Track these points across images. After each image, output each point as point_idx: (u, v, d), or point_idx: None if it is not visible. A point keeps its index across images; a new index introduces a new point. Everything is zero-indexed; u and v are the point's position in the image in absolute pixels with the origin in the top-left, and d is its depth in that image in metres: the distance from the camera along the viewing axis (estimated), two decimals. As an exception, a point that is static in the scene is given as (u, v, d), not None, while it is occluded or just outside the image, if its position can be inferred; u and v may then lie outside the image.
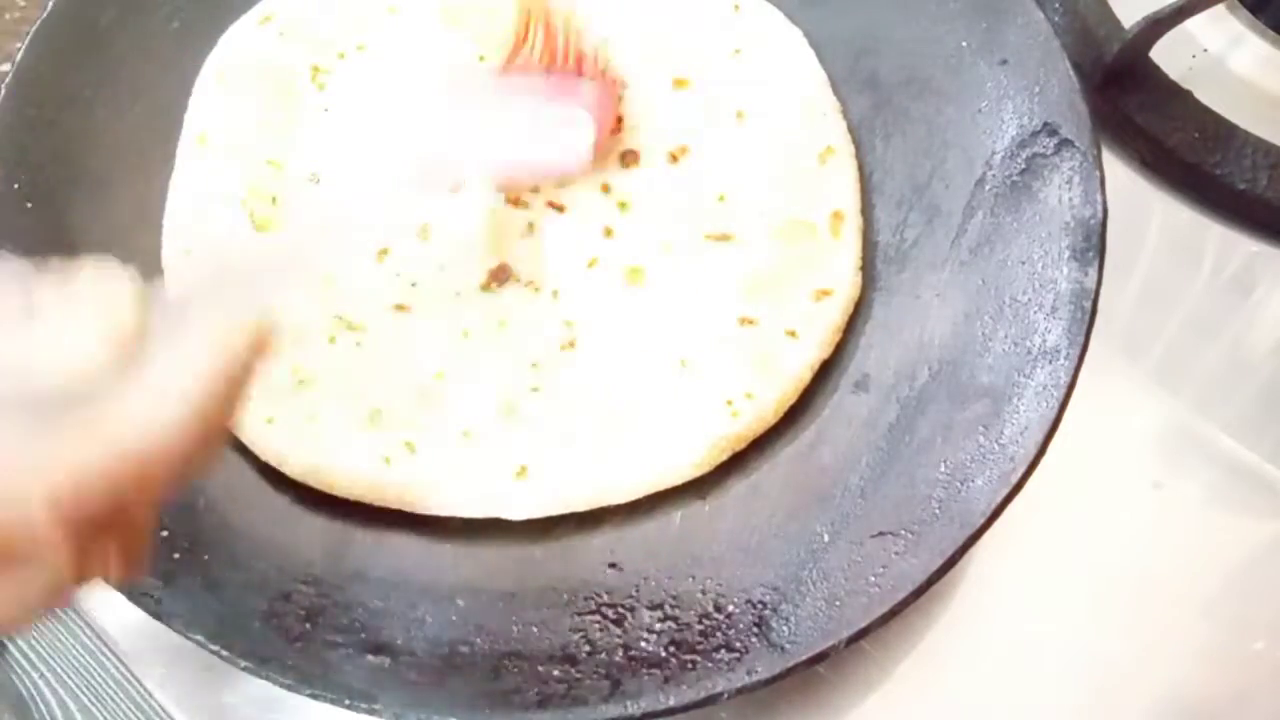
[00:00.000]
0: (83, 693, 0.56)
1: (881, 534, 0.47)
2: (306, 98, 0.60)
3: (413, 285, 0.55)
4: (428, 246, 0.56)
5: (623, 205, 0.57)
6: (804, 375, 0.52)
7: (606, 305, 0.54)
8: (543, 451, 0.51)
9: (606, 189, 0.57)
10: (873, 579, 0.45)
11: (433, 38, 0.62)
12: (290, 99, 0.60)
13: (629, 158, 0.58)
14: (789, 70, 0.60)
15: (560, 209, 0.57)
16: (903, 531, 0.46)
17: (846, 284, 0.54)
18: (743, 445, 0.51)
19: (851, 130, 0.58)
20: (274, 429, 0.52)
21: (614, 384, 0.52)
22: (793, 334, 0.53)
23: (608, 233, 0.56)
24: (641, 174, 0.58)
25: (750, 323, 0.53)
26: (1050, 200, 0.51)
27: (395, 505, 0.50)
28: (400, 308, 0.55)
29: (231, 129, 0.59)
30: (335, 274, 0.56)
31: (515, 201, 0.57)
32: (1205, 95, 0.61)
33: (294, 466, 0.51)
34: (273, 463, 0.51)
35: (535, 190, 0.57)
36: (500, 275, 0.55)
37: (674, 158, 0.58)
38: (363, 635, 0.46)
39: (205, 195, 0.57)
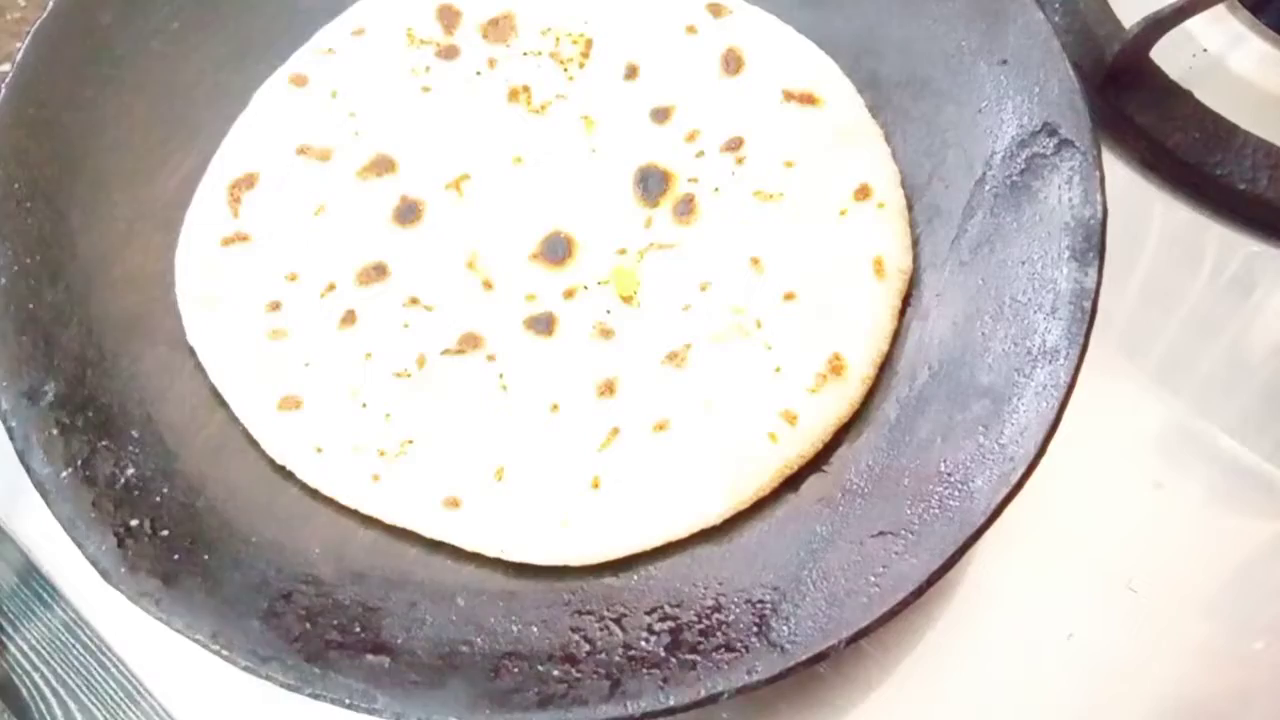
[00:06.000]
0: (83, 693, 0.56)
1: (881, 534, 0.47)
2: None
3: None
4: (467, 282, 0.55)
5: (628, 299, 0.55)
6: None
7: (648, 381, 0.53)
8: (576, 502, 0.50)
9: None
10: (873, 579, 0.45)
11: None
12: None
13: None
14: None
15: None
16: (903, 531, 0.46)
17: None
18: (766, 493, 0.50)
19: (851, 130, 0.58)
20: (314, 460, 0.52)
21: (647, 432, 0.51)
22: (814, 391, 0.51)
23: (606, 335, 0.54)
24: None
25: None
26: (1050, 200, 0.51)
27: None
28: (446, 352, 0.54)
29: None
30: (364, 318, 0.55)
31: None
32: (1205, 95, 0.61)
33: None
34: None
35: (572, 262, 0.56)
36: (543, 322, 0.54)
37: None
38: (363, 635, 0.46)
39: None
